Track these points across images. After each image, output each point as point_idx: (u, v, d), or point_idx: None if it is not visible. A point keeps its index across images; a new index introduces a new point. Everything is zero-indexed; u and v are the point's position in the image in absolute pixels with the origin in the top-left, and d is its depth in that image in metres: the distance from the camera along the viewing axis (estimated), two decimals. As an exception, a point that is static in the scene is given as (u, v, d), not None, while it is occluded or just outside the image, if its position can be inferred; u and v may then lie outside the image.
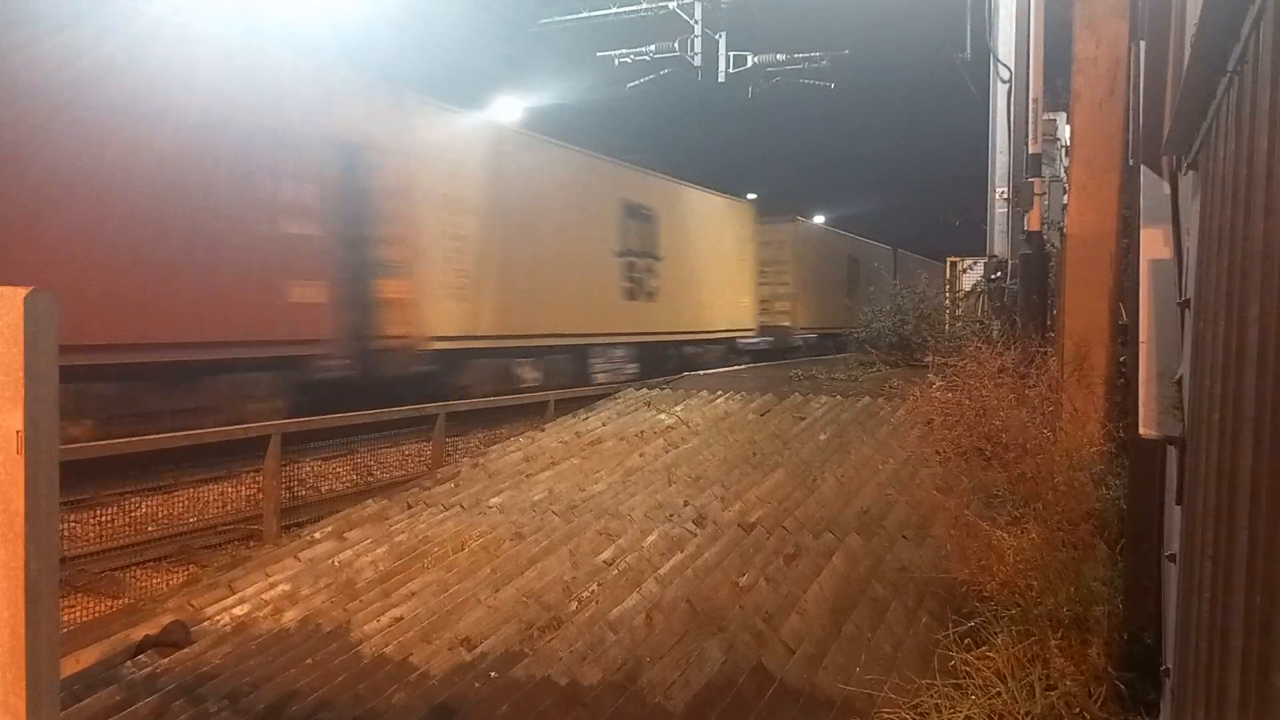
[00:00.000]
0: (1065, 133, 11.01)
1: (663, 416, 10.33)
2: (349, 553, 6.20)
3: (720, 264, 22.15)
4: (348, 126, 11.46)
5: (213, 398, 10.02)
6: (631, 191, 18.32)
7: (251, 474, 8.44)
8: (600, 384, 15.32)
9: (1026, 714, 3.36)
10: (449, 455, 9.66)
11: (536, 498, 7.23)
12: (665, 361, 18.88)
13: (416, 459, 10.26)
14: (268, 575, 5.88)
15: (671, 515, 6.52)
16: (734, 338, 22.65)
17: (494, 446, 9.61)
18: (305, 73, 11.03)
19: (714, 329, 21.69)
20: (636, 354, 18.40)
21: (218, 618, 5.20)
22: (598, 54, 18.11)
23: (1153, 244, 3.07)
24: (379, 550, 6.20)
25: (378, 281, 11.90)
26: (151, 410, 9.35)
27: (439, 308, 12.97)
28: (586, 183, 16.91)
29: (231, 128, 10.02)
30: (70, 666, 4.49)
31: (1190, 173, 2.59)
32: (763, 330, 24.38)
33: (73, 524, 7.37)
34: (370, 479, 9.72)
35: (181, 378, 9.74)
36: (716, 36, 17.33)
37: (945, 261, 19.89)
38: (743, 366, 18.39)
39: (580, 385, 14.77)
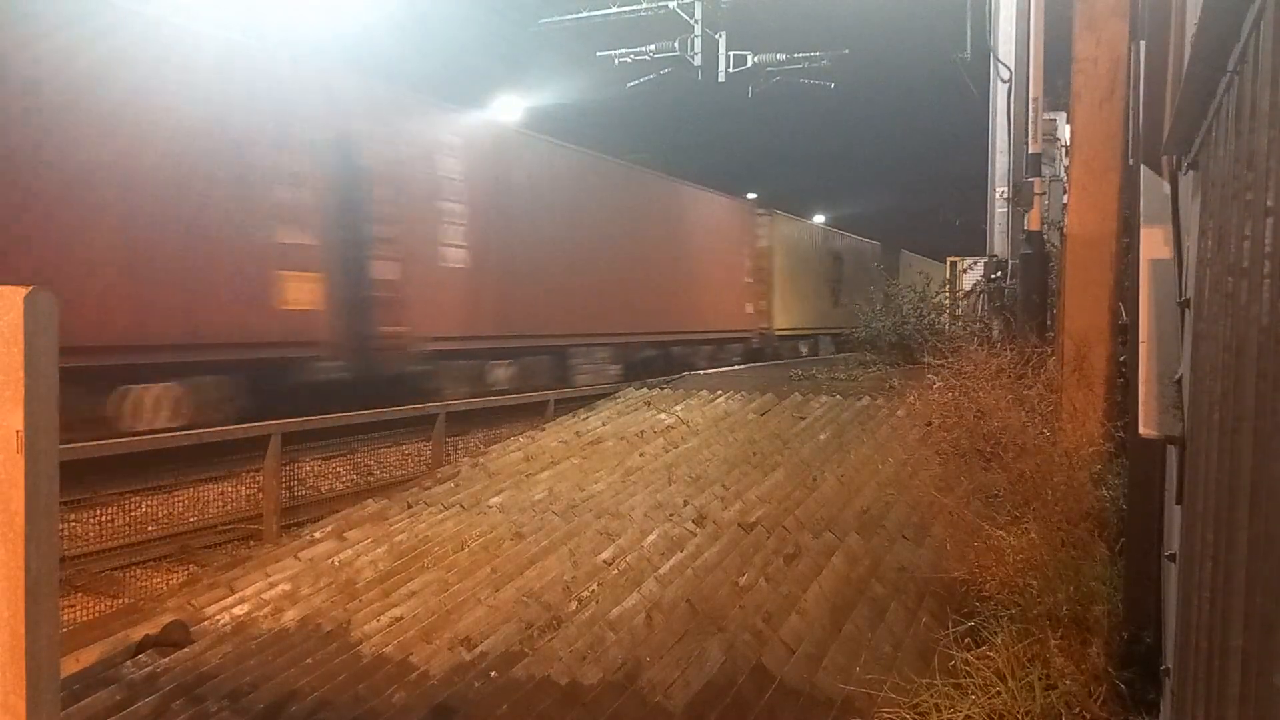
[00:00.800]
0: (1065, 133, 11.00)
1: (663, 416, 10.34)
2: (349, 552, 6.20)
3: (866, 283, 35.10)
4: (751, 226, 25.61)
5: (719, 355, 22.58)
6: (833, 243, 32.43)
7: (251, 474, 8.45)
8: (822, 358, 25.87)
9: (1026, 713, 3.36)
10: (449, 455, 9.66)
11: (536, 497, 7.23)
12: (845, 344, 31.20)
13: (416, 459, 10.26)
14: (268, 575, 5.88)
15: (671, 515, 6.52)
16: None
17: (494, 446, 9.61)
18: (736, 203, 25.50)
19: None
20: (835, 340, 29.79)
21: (218, 617, 5.20)
22: (598, 54, 18.15)
23: (1153, 244, 3.06)
24: (379, 550, 6.20)
25: (758, 299, 25.39)
26: (688, 358, 20.80)
27: (777, 314, 26.10)
28: (817, 241, 31.13)
29: (730, 240, 24.60)
30: (70, 666, 4.49)
31: (1190, 173, 2.59)
32: None
33: (73, 524, 7.37)
34: (370, 479, 9.73)
35: (700, 345, 22.04)
36: (716, 36, 17.35)
37: (945, 261, 20.30)
38: (743, 366, 20.68)
39: (814, 356, 26.85)
